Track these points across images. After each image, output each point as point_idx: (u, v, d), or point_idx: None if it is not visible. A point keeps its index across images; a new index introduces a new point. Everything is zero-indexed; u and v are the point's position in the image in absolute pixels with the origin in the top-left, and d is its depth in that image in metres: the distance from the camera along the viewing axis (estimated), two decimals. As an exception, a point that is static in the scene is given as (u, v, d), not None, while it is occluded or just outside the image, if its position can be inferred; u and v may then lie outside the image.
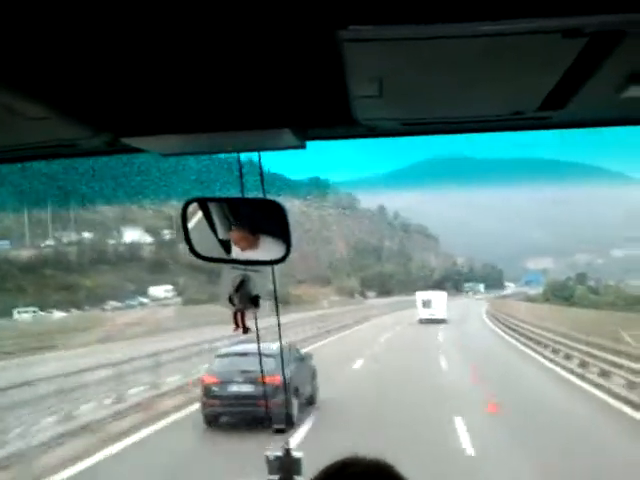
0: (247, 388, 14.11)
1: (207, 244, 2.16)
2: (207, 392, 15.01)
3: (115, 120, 1.90)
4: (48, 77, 1.64)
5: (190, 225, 2.15)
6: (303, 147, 2.01)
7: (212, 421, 15.01)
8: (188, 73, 1.71)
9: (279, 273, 2.34)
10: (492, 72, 1.56)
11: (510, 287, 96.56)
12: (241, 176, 2.21)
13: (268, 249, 2.11)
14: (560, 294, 75.71)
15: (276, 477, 2.36)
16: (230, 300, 2.27)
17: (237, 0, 1.39)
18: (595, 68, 1.48)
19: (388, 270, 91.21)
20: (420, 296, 58.01)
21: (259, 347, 2.58)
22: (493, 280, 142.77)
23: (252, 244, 2.11)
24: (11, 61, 1.52)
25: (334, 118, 1.90)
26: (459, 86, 1.65)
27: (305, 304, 58.85)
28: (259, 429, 9.91)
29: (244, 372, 14.13)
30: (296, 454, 2.38)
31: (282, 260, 2.08)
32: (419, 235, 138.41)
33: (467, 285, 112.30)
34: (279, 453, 2.37)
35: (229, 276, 2.26)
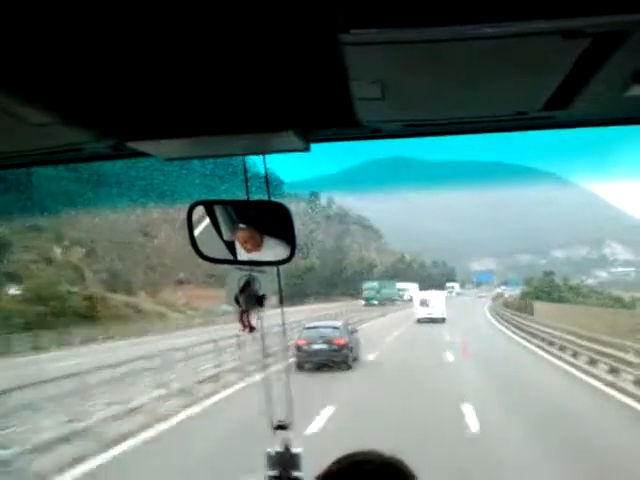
0: (323, 346, 24.51)
1: (213, 246, 2.20)
2: (299, 349, 24.56)
3: (120, 124, 1.89)
4: (52, 82, 1.63)
5: (196, 227, 2.19)
6: (307, 150, 2.02)
7: (300, 366, 24.16)
8: (192, 77, 1.71)
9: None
10: (494, 73, 1.56)
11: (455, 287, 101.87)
12: (246, 179, 2.23)
13: (273, 250, 2.15)
14: (547, 295, 71.33)
15: (275, 472, 2.38)
16: (236, 300, 2.31)
17: (240, 4, 1.39)
18: (598, 68, 1.48)
19: (314, 266, 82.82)
20: (418, 295, 60.70)
21: (263, 345, 2.70)
22: (446, 278, 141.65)
23: (257, 245, 2.15)
24: (15, 67, 1.53)
25: (337, 120, 1.91)
26: (461, 88, 1.66)
27: (146, 322, 46.55)
28: (328, 370, 22.75)
29: (321, 337, 24.75)
30: (295, 450, 2.39)
31: (287, 261, 2.13)
32: (358, 227, 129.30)
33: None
34: (279, 449, 2.39)
35: (235, 277, 2.29)
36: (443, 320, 51.62)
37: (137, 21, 1.45)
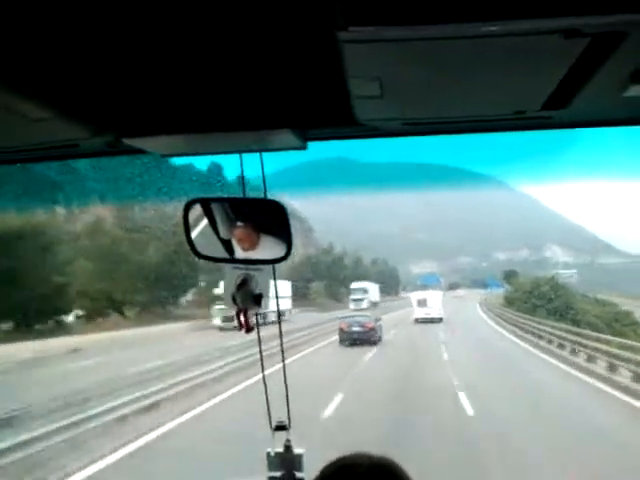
0: (359, 329, 36.23)
1: (209, 244, 2.20)
2: (341, 330, 37.05)
3: (116, 121, 1.90)
4: (49, 78, 1.63)
5: (192, 225, 2.18)
6: (304, 148, 2.03)
7: (343, 342, 36.23)
8: (189, 74, 1.72)
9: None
10: (493, 72, 1.58)
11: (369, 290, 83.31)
12: (242, 176, 2.26)
13: (269, 248, 2.15)
14: (548, 302, 56.86)
15: (277, 474, 2.39)
16: (233, 299, 2.30)
17: (238, 1, 1.39)
18: (597, 67, 1.50)
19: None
20: (415, 295, 61.32)
21: (260, 345, 2.66)
22: (388, 279, 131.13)
23: (254, 243, 2.15)
24: (12, 62, 1.52)
25: (335, 119, 1.92)
26: (460, 86, 1.67)
27: None
28: (363, 345, 33.88)
29: (358, 322, 36.91)
30: (297, 450, 2.39)
31: (283, 259, 2.14)
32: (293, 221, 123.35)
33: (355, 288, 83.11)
34: (280, 449, 2.39)
35: (231, 275, 2.29)
36: (440, 320, 53.05)
37: (135, 18, 1.44)
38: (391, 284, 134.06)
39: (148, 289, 52.11)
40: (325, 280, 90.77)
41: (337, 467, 1.61)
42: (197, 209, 2.19)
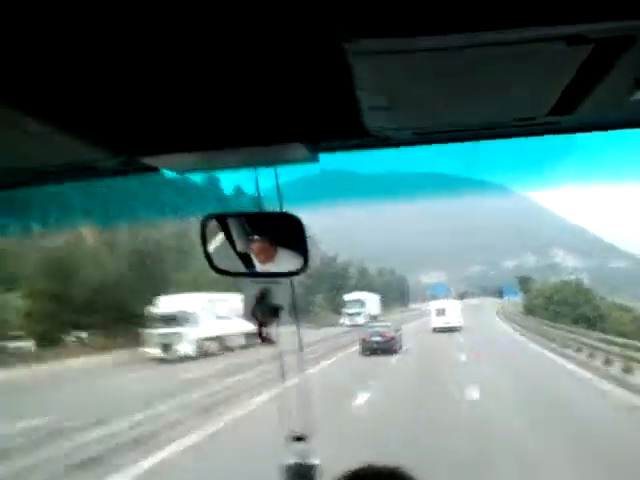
0: (379, 339, 37.50)
1: (227, 259, 2.22)
2: (363, 341, 38.19)
3: (131, 140, 1.93)
4: (64, 100, 1.67)
5: (209, 241, 2.20)
6: (316, 160, 2.07)
7: (364, 352, 37.08)
8: (202, 91, 1.74)
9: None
10: (501, 80, 1.60)
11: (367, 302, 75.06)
12: (258, 191, 2.26)
13: (286, 261, 2.17)
14: (572, 310, 53.86)
15: None
16: (253, 313, 2.31)
17: (246, 16, 1.40)
18: (604, 73, 1.53)
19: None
20: (434, 305, 60.36)
21: (281, 357, 2.70)
22: (396, 290, 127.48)
23: (271, 257, 2.18)
24: (27, 85, 1.55)
25: (346, 130, 1.94)
26: (468, 95, 1.70)
27: None
28: (383, 354, 34.90)
29: (378, 333, 38.39)
30: (312, 461, 2.38)
31: (301, 272, 2.16)
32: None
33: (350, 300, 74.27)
34: (295, 460, 2.38)
35: (251, 289, 2.30)
36: (459, 329, 53.35)
37: (146, 37, 1.45)
38: (399, 295, 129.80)
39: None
40: (328, 292, 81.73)
41: (350, 477, 1.60)
42: (214, 224, 2.20)
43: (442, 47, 1.35)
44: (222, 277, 2.37)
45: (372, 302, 78.40)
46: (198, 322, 40.84)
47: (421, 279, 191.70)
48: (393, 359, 34.28)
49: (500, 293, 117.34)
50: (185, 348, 39.33)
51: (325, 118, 1.90)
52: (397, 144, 2.14)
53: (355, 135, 1.96)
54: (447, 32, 1.28)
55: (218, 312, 42.23)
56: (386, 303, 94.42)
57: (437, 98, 1.72)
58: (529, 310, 63.99)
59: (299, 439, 2.44)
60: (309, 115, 1.88)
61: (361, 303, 73.27)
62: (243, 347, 41.19)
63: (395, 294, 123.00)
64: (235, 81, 1.70)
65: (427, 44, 1.33)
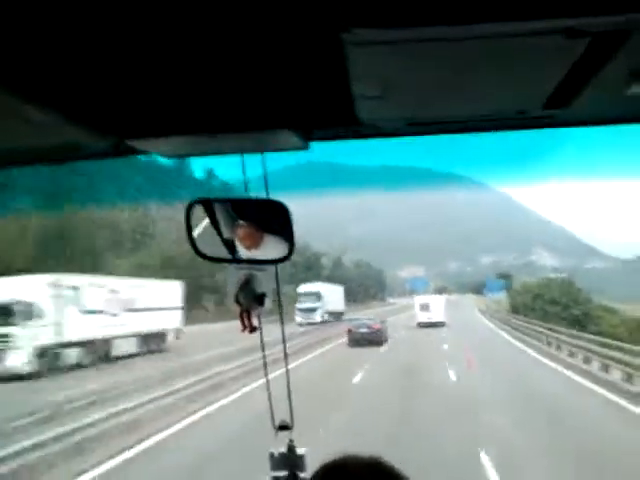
0: (366, 330, 39.14)
1: (212, 244, 2.18)
2: (350, 332, 39.27)
3: (119, 123, 1.89)
4: (52, 81, 1.63)
5: (194, 226, 2.15)
6: (306, 148, 2.02)
7: (351, 343, 38.28)
8: (192, 75, 1.69)
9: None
10: (496, 72, 1.59)
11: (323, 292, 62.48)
12: (244, 177, 2.25)
13: (271, 248, 2.13)
14: (563, 309, 51.31)
15: (280, 474, 2.37)
16: (236, 299, 2.27)
17: (240, 2, 1.37)
18: (599, 67, 1.51)
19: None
20: (418, 300, 58.84)
21: (263, 344, 2.54)
22: (374, 283, 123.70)
23: (256, 243, 2.13)
24: (16, 66, 1.52)
25: (338, 119, 1.91)
26: (462, 86, 1.67)
27: None
28: (369, 345, 36.44)
29: (364, 324, 40.21)
30: (300, 450, 2.39)
31: (285, 259, 2.12)
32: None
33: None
34: (283, 450, 2.38)
35: (235, 275, 2.27)
36: (443, 324, 53.44)
37: (136, 20, 1.44)
38: (376, 288, 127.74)
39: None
40: (300, 284, 65.19)
41: (331, 468, 1.61)
42: (199, 210, 2.17)
43: (437, 38, 1.35)
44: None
45: (332, 295, 65.39)
46: (42, 317, 27.20)
47: (399, 273, 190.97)
48: (380, 349, 35.83)
49: (479, 290, 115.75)
50: (14, 360, 25.44)
51: (317, 106, 1.87)
52: (388, 134, 2.12)
53: (347, 124, 1.93)
54: (443, 23, 1.28)
55: (87, 303, 29.58)
56: (363, 297, 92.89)
57: (431, 89, 1.71)
58: (515, 309, 61.14)
59: (285, 428, 2.43)
60: (301, 103, 1.85)
61: (317, 296, 60.52)
62: (133, 355, 31.17)
63: (372, 288, 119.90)
64: (227, 66, 1.66)
65: (423, 35, 1.33)
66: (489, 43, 1.38)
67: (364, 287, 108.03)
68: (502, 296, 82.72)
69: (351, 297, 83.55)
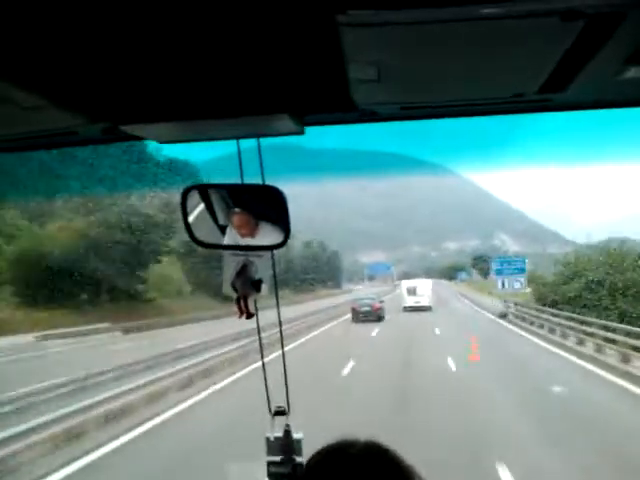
0: (367, 308, 47.02)
1: (207, 231, 2.20)
2: (353, 309, 47.30)
3: (113, 108, 1.88)
4: (43, 65, 1.61)
5: (190, 212, 2.15)
6: (302, 133, 2.02)
7: (354, 319, 45.75)
8: (185, 60, 1.68)
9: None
10: (491, 55, 1.58)
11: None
12: (240, 162, 2.23)
13: (268, 234, 2.15)
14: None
15: (276, 458, 2.36)
16: (233, 286, 2.27)
17: None
18: (596, 50, 1.52)
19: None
20: (405, 284, 60.00)
21: (259, 331, 2.56)
22: (329, 268, 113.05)
23: (252, 230, 2.15)
24: (5, 50, 1.50)
25: (333, 103, 1.91)
26: (458, 70, 1.68)
27: None
28: (370, 320, 44.56)
29: (366, 303, 48.36)
30: (296, 435, 2.39)
31: (281, 245, 2.13)
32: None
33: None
34: (279, 434, 2.38)
35: (231, 262, 2.27)
36: (429, 308, 54.45)
37: (129, 3, 1.43)
38: (332, 273, 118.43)
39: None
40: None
41: (329, 451, 1.61)
42: (195, 195, 2.17)
43: (433, 20, 1.35)
44: None
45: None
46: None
47: (360, 258, 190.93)
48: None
49: (450, 275, 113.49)
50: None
51: (313, 90, 1.86)
52: (384, 119, 2.12)
53: (342, 109, 1.93)
54: (439, 5, 1.28)
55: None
56: (309, 284, 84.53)
57: (426, 72, 1.71)
58: (541, 298, 41.19)
59: (281, 413, 2.43)
60: (296, 87, 1.84)
61: None
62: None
63: (325, 273, 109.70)
64: (221, 49, 1.64)
65: (419, 17, 1.33)
66: (484, 25, 1.38)
67: (316, 272, 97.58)
68: (474, 279, 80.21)
69: (289, 283, 77.88)
